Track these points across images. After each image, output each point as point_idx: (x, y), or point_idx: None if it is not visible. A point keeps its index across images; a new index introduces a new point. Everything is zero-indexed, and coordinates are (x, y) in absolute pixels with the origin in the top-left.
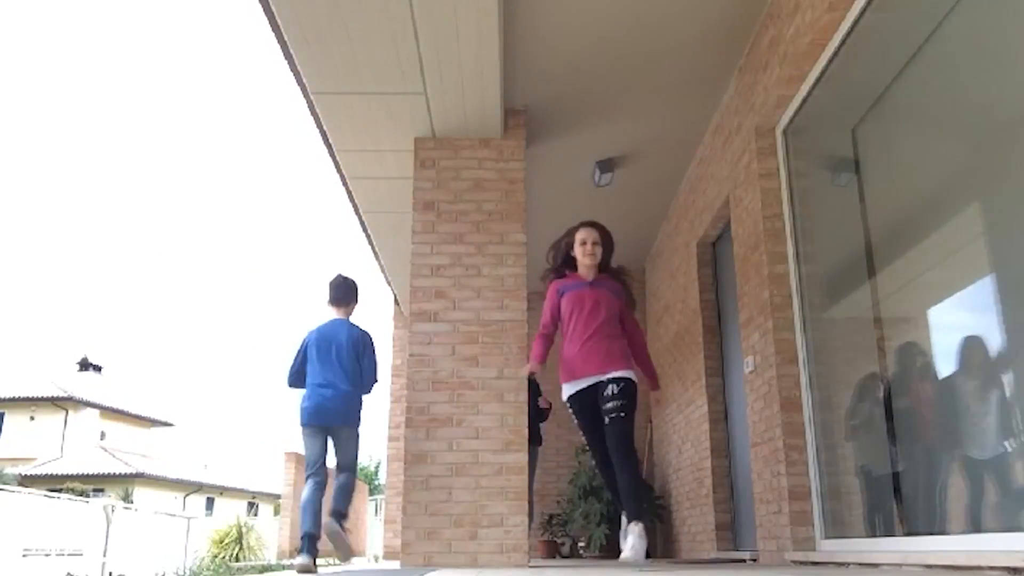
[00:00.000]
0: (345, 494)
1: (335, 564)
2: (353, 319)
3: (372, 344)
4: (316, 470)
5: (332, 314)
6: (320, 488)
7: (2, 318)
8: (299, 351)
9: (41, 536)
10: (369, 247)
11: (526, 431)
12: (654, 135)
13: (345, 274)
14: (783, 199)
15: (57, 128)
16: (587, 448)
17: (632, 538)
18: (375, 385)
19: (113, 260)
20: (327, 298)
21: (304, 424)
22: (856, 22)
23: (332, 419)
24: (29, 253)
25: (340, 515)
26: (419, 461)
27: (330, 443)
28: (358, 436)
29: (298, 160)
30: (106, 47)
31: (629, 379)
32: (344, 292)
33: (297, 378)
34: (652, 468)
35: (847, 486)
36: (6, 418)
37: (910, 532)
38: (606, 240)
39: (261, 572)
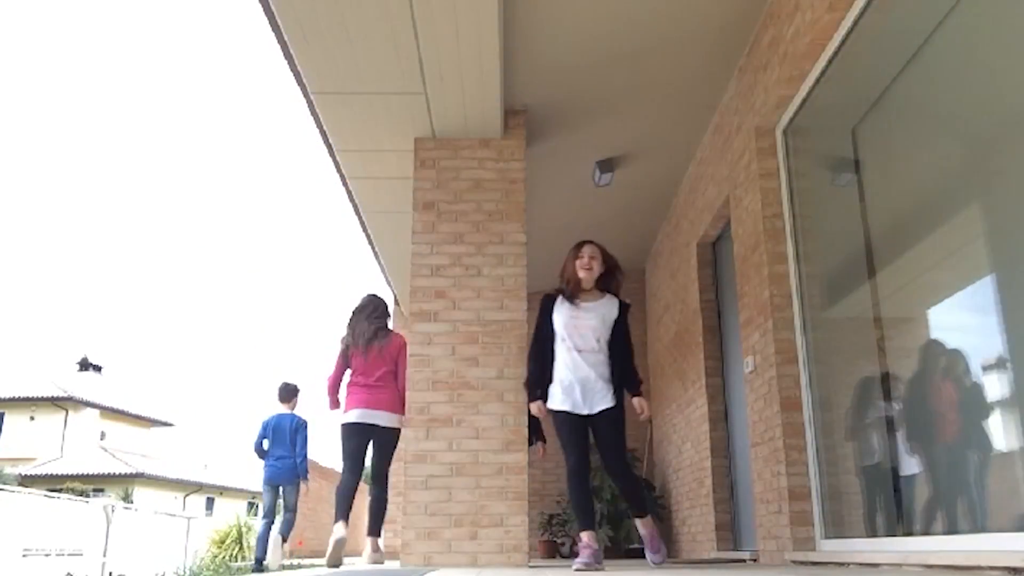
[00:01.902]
0: (290, 525)
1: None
2: (296, 411)
3: (305, 427)
4: (268, 512)
5: (281, 408)
6: (271, 525)
7: (2, 318)
8: (260, 434)
9: (41, 536)
10: (369, 247)
11: (526, 431)
12: (654, 135)
13: (288, 381)
14: (783, 199)
15: (57, 128)
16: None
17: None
18: (306, 454)
19: (113, 260)
20: (277, 397)
21: (265, 482)
22: (856, 22)
23: (283, 479)
24: (29, 253)
25: (284, 539)
26: (419, 461)
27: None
28: (299, 487)
29: (298, 160)
30: (106, 47)
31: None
32: (287, 393)
33: (261, 452)
34: (652, 468)
35: (847, 486)
36: (6, 418)
37: (910, 532)
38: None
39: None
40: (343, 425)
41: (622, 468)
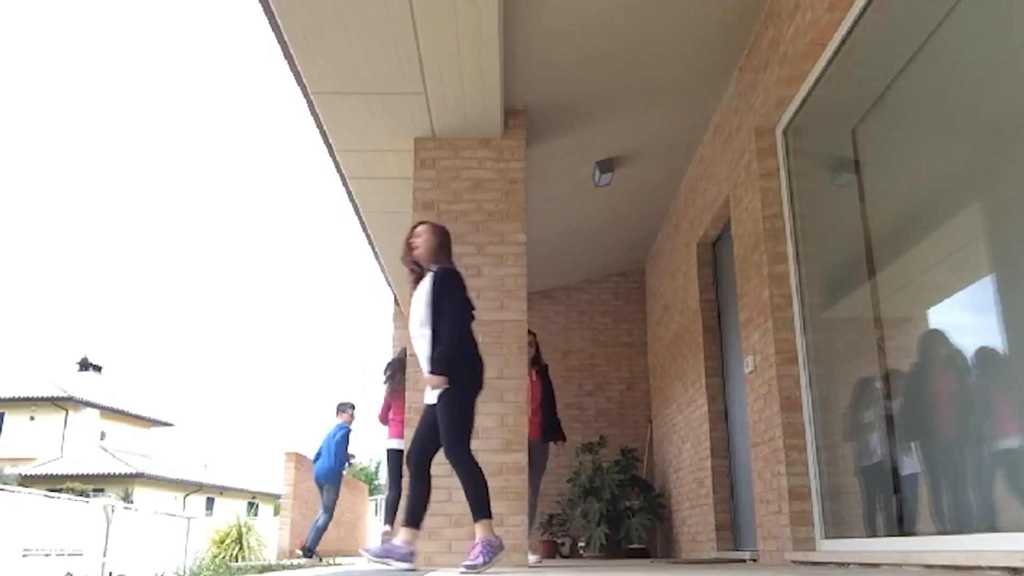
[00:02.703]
0: (318, 532)
1: (335, 564)
2: (353, 422)
3: (346, 436)
4: (327, 508)
5: (336, 420)
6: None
7: (2, 318)
8: (323, 441)
9: (41, 536)
10: (369, 247)
11: (526, 431)
12: (654, 135)
13: (343, 400)
14: (783, 199)
15: (57, 128)
16: (588, 447)
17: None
18: (342, 454)
19: (113, 260)
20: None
21: (314, 481)
22: (856, 22)
23: (323, 479)
24: (29, 253)
25: (310, 550)
26: None
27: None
28: (337, 488)
29: (298, 160)
30: (106, 47)
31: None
32: (338, 408)
33: (317, 455)
34: (652, 468)
35: (847, 486)
36: (6, 418)
37: (910, 532)
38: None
39: (261, 572)
40: (388, 450)
41: (452, 459)
